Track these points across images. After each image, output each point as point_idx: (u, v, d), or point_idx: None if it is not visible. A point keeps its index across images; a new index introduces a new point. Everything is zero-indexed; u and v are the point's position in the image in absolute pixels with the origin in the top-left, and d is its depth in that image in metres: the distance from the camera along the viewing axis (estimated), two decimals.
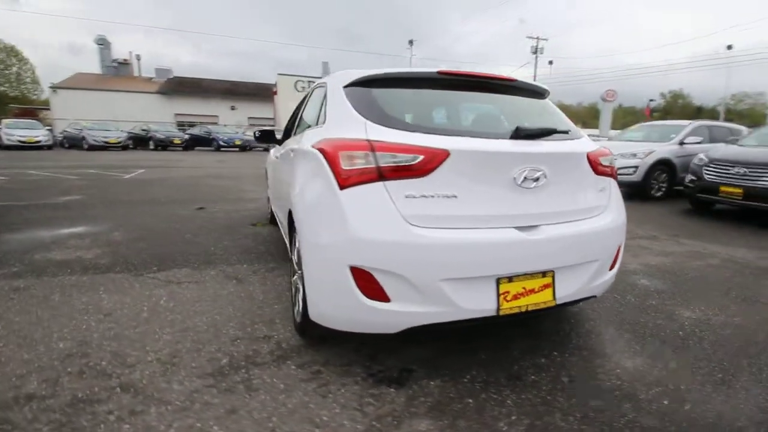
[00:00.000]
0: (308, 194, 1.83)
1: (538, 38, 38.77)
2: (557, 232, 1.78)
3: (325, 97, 2.25)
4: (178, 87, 33.36)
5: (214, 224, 4.62)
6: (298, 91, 31.21)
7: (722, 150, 6.09)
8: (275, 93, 32.14)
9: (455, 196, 1.65)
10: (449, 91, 2.03)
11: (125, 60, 37.94)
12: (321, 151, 1.77)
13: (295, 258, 2.18)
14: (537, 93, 2.21)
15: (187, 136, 21.78)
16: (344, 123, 1.85)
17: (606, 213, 1.99)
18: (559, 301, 1.81)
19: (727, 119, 26.76)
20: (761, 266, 3.56)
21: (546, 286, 1.76)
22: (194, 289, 2.72)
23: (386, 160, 1.61)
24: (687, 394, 1.73)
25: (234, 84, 36.15)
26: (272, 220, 4.55)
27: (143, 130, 22.02)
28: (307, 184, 1.87)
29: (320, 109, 2.28)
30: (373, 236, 1.57)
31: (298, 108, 3.53)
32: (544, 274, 1.75)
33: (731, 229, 5.05)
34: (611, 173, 2.07)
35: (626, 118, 48.34)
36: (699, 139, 7.52)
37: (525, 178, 1.72)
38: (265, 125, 28.38)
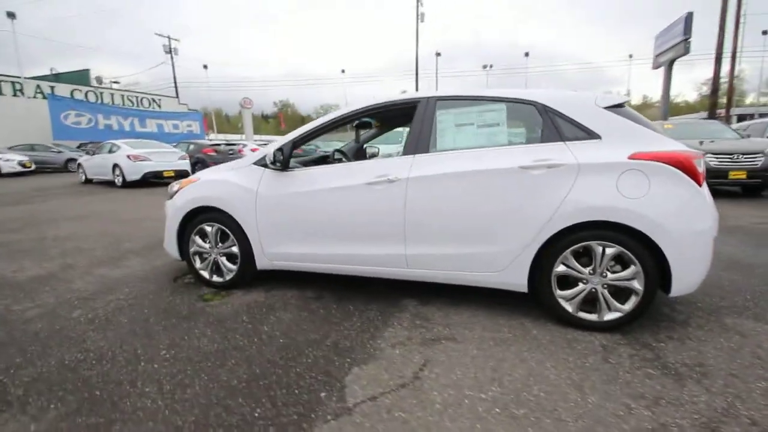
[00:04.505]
0: (667, 197, 2.22)
1: (169, 37, 36.38)
2: None
3: (545, 114, 2.46)
4: None
5: (143, 319, 2.65)
6: None
7: None
8: None
9: None
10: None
11: None
12: (673, 162, 2.23)
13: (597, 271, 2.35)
14: None
15: None
16: (644, 138, 2.34)
17: None
18: None
19: None
20: None
21: None
22: (474, 372, 2.03)
23: (707, 163, 2.41)
24: None
25: None
26: (235, 283, 3.21)
27: None
28: (657, 191, 2.22)
29: (541, 127, 2.48)
30: (717, 213, 2.38)
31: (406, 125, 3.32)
32: None
33: None
34: None
35: (257, 123, 55.27)
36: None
37: None
38: None
